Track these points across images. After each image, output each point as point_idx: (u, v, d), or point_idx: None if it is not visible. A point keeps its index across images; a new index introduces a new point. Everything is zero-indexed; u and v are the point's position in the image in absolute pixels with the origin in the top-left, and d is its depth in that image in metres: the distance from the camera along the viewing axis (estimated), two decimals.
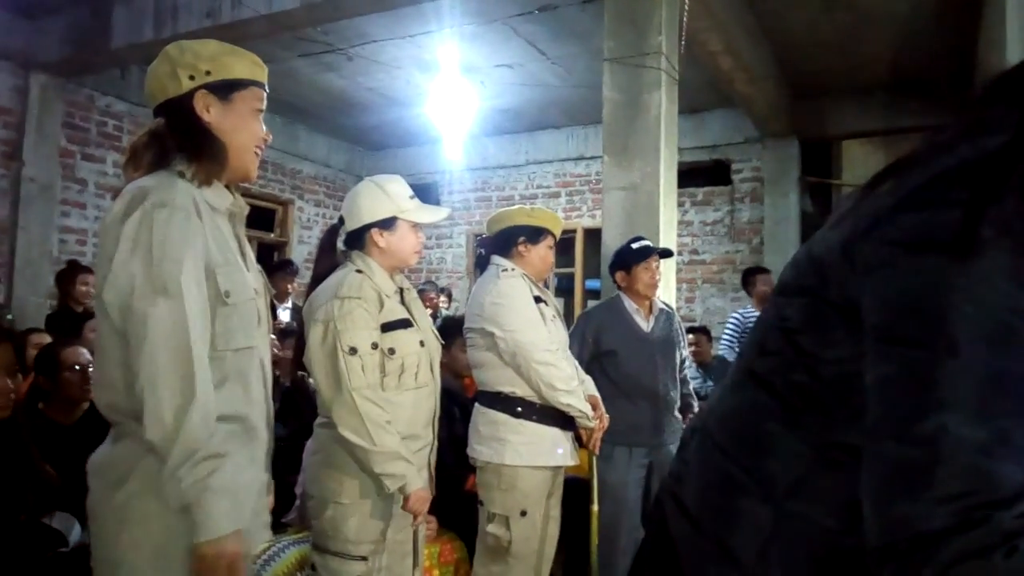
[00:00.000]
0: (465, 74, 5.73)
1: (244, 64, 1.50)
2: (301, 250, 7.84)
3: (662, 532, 0.90)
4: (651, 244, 3.02)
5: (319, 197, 8.12)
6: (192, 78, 1.44)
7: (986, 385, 0.56)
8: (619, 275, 3.03)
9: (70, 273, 4.65)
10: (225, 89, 1.47)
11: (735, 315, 5.12)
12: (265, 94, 1.55)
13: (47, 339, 3.45)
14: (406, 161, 8.29)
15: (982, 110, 0.73)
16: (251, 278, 1.49)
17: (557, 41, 5.34)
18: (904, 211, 0.66)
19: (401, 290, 2.16)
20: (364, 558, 1.96)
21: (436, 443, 2.18)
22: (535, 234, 2.60)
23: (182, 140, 1.43)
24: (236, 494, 1.36)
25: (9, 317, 4.70)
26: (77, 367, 2.52)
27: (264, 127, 1.55)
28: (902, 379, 0.60)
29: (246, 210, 1.57)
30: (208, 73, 1.44)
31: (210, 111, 1.45)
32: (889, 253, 0.65)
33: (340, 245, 2.21)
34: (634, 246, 3.00)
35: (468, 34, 5.21)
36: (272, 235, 7.67)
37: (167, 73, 1.45)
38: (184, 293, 1.31)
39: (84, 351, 2.61)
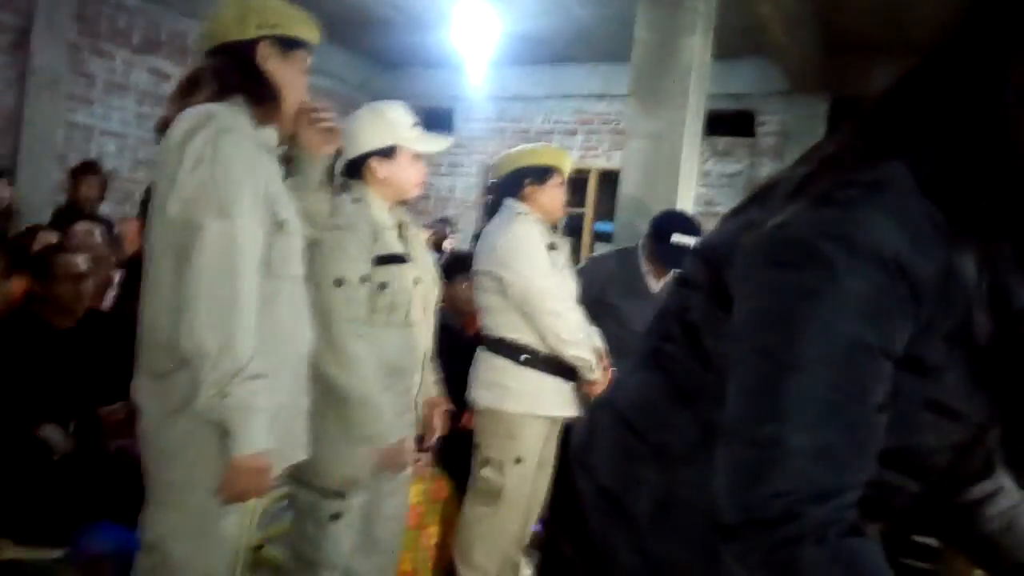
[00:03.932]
0: None
1: (307, 25, 1.61)
2: None
3: (570, 495, 1.00)
4: (691, 247, 2.76)
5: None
6: (259, 27, 1.54)
7: (818, 403, 0.66)
8: (648, 239, 2.93)
9: (82, 172, 4.58)
10: (286, 44, 1.57)
11: None
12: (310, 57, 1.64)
13: (53, 237, 3.40)
14: (423, 84, 8.08)
15: (864, 133, 0.77)
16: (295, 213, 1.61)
17: None
18: (777, 226, 0.71)
19: (400, 224, 2.09)
20: (342, 495, 1.95)
21: (424, 384, 2.15)
22: (541, 173, 2.51)
23: (243, 81, 1.52)
24: (274, 414, 1.45)
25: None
26: (72, 275, 2.47)
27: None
28: (753, 387, 0.70)
29: (287, 157, 1.67)
30: (275, 26, 1.55)
31: (269, 62, 1.55)
32: (755, 265, 0.72)
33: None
34: (673, 240, 2.79)
35: None
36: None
37: (234, 17, 1.54)
38: (239, 216, 1.39)
39: (80, 259, 2.55)
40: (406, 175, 2.03)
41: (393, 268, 1.96)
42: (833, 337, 0.66)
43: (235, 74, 1.52)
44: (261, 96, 1.53)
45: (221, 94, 1.50)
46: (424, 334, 2.09)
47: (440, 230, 6.10)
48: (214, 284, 1.36)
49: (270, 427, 1.42)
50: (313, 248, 1.87)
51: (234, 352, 1.35)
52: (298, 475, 1.99)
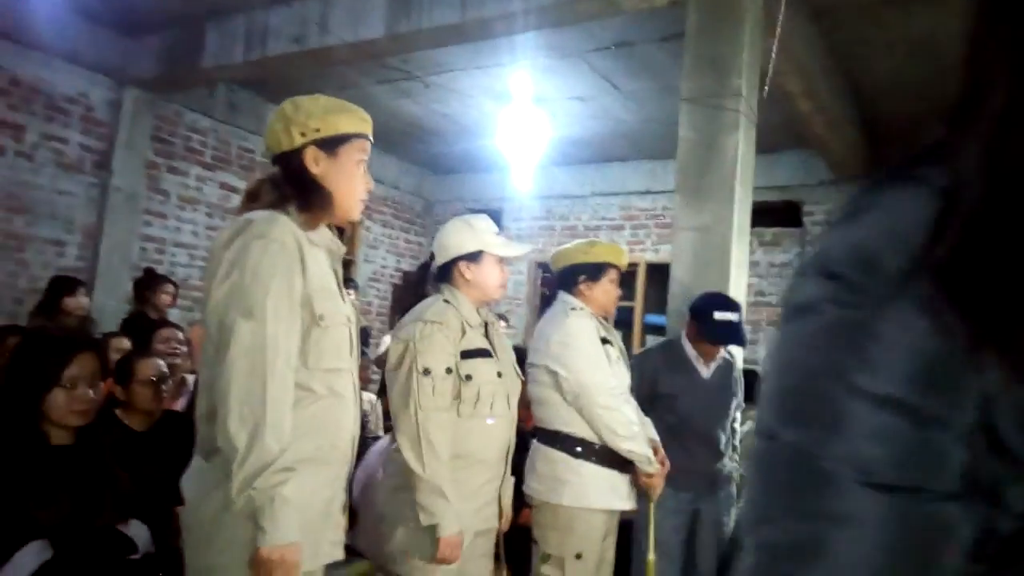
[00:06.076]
0: (537, 105, 5.78)
1: (350, 120, 1.66)
2: (366, 269, 7.98)
3: None
4: (734, 321, 2.85)
5: (386, 218, 8.27)
6: (303, 135, 1.60)
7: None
8: (691, 323, 2.96)
9: (149, 281, 4.84)
10: (332, 144, 1.63)
11: None
12: (369, 144, 1.70)
13: (126, 343, 3.59)
14: (472, 187, 8.39)
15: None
16: (345, 307, 1.64)
17: (631, 76, 5.35)
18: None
19: (486, 324, 2.23)
20: None
21: (506, 477, 2.22)
22: (595, 271, 2.60)
23: (295, 190, 1.61)
24: (304, 509, 1.45)
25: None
26: (151, 379, 2.61)
27: (368, 175, 1.70)
28: None
29: (343, 250, 1.72)
30: (317, 130, 1.61)
31: (319, 164, 1.62)
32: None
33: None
34: (716, 317, 2.82)
35: (542, 67, 5.27)
36: None
37: (281, 129, 1.61)
38: (267, 316, 1.44)
39: (160, 363, 2.69)
40: (491, 277, 2.19)
41: (478, 362, 2.09)
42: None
43: (288, 184, 1.61)
44: (310, 202, 1.61)
45: (278, 203, 1.59)
46: (506, 427, 2.18)
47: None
48: (243, 382, 1.41)
49: (297, 520, 1.42)
50: (407, 341, 2.03)
51: (262, 447, 1.38)
52: (387, 565, 2.06)
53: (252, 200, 1.63)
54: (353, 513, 2.80)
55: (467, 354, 2.08)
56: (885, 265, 0.43)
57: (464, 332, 2.10)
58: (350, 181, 1.65)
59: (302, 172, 1.61)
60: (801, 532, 0.44)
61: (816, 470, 0.43)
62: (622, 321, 7.74)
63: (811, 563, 0.43)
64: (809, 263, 0.48)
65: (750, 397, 3.83)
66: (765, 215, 6.67)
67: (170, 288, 4.81)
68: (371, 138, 1.72)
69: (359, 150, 1.67)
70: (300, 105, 1.63)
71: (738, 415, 3.13)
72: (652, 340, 7.03)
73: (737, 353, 3.24)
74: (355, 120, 1.67)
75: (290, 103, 1.64)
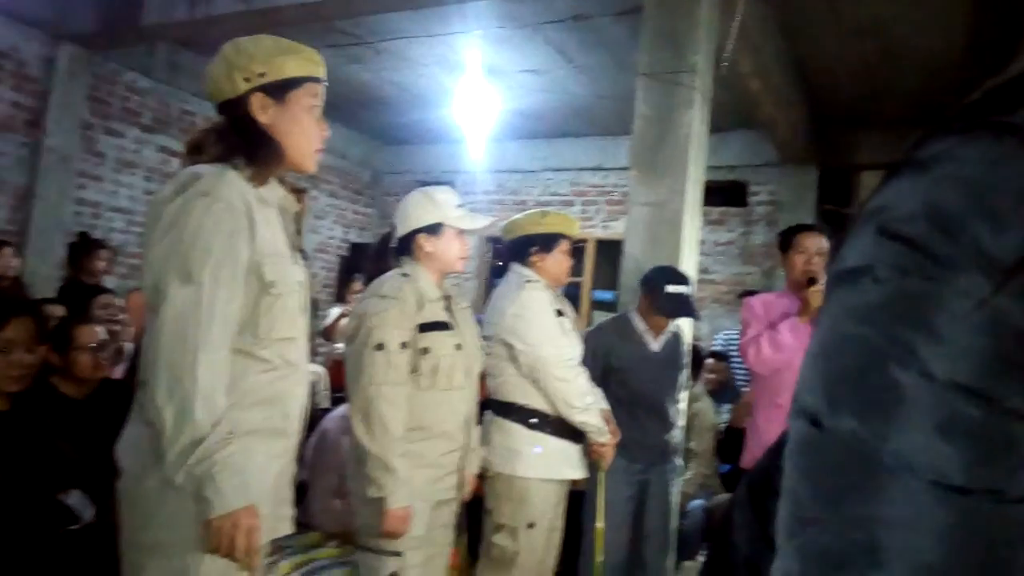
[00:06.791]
0: (489, 76, 5.73)
1: (299, 62, 1.50)
2: (311, 239, 7.83)
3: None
4: (686, 294, 2.86)
5: (333, 188, 8.12)
6: (247, 80, 1.45)
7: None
8: (643, 296, 2.98)
9: (84, 246, 4.66)
10: (280, 89, 1.48)
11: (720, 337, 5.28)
12: (322, 87, 1.56)
13: (60, 310, 3.44)
14: (422, 159, 8.29)
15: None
16: (297, 270, 1.53)
17: (586, 50, 5.33)
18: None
19: (448, 297, 2.21)
20: (398, 553, 1.99)
21: (476, 448, 2.23)
22: (547, 241, 2.59)
23: (240, 141, 1.46)
24: (246, 473, 1.37)
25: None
26: (90, 346, 2.51)
27: (323, 122, 1.57)
28: None
29: (296, 207, 1.60)
30: (262, 75, 1.45)
31: (266, 112, 1.47)
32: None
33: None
34: (668, 290, 2.80)
35: (496, 37, 5.21)
36: None
37: (223, 75, 1.46)
38: (204, 281, 1.33)
39: (99, 330, 2.60)
40: (451, 250, 2.16)
41: (436, 335, 2.08)
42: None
43: (233, 134, 1.47)
44: (258, 155, 1.47)
45: (224, 155, 1.45)
46: (467, 399, 2.17)
47: None
48: (172, 352, 1.30)
49: (243, 484, 1.34)
50: (362, 316, 2.00)
51: (191, 423, 1.29)
52: (356, 537, 2.08)
53: (195, 152, 1.48)
54: (303, 486, 2.78)
55: (425, 327, 2.07)
56: (967, 231, 0.36)
57: (422, 306, 2.08)
58: (302, 129, 1.51)
59: (249, 121, 1.46)
60: (855, 537, 0.38)
61: (875, 466, 0.38)
62: (570, 296, 7.77)
63: (866, 574, 0.37)
64: (866, 217, 0.41)
65: (694, 373, 3.91)
66: (711, 194, 6.73)
67: (106, 254, 4.65)
68: (324, 80, 1.57)
69: (310, 95, 1.52)
70: (242, 47, 1.47)
71: (688, 386, 3.20)
72: (599, 316, 7.10)
73: (685, 327, 3.30)
74: (304, 62, 1.52)
75: (231, 45, 1.49)
